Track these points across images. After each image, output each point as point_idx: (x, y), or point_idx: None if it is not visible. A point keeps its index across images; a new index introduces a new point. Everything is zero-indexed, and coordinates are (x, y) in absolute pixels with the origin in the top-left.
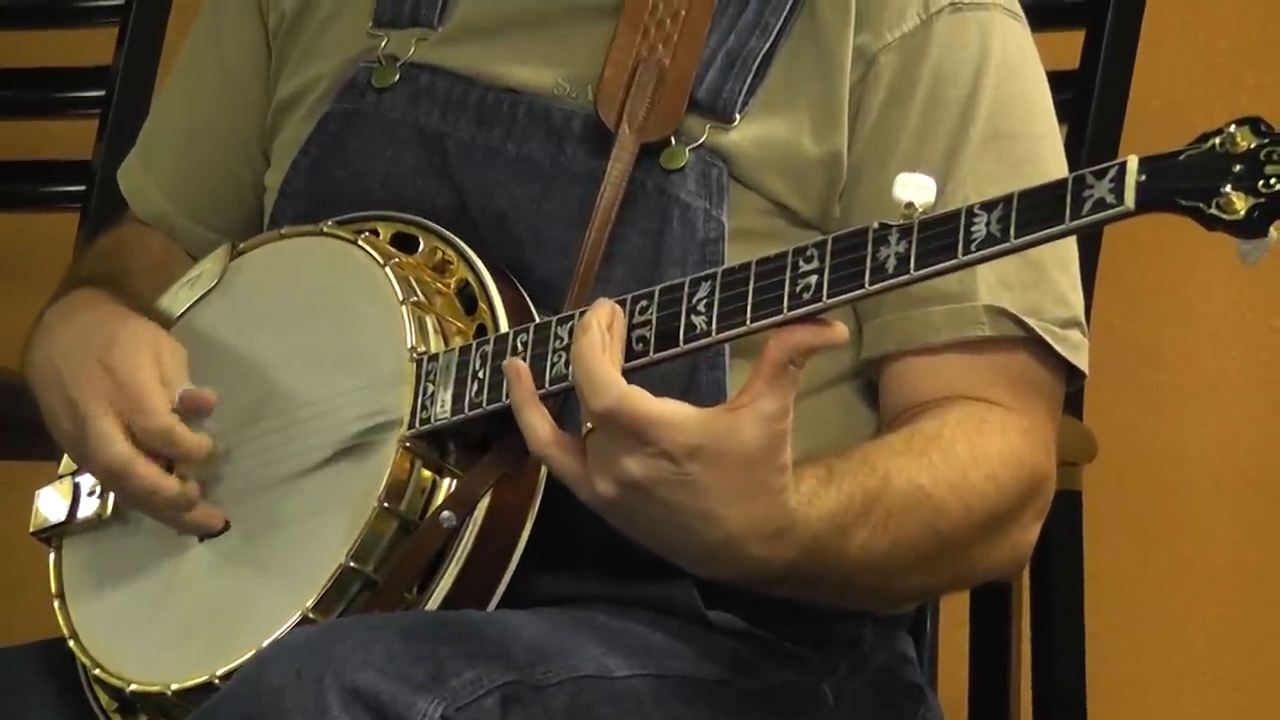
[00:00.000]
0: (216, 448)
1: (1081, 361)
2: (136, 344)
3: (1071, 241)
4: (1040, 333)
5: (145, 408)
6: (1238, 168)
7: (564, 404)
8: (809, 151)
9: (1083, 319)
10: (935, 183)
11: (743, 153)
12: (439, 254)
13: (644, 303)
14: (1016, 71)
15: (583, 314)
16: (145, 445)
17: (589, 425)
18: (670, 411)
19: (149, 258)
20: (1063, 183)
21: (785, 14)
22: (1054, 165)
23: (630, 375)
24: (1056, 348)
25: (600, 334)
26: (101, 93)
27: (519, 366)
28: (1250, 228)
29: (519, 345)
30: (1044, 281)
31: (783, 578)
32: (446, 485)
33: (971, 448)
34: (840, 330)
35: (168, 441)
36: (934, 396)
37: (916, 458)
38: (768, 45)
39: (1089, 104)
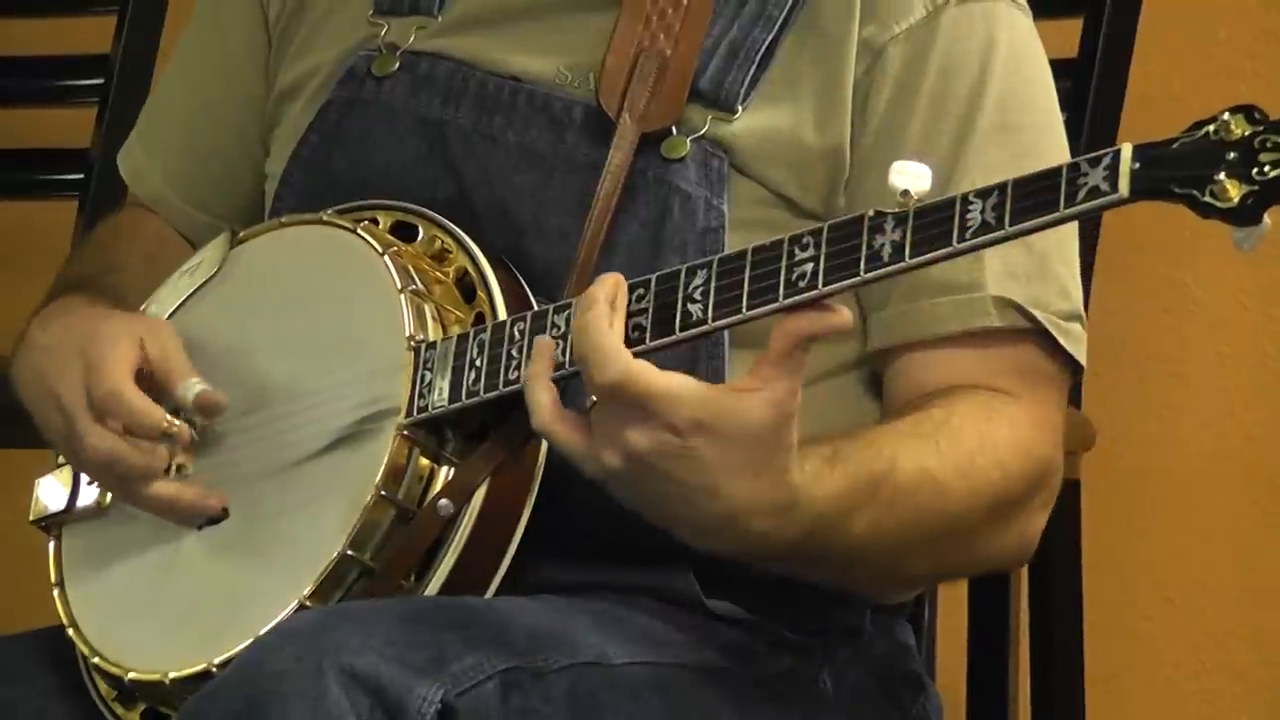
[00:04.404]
0: (178, 424)
1: (1081, 355)
2: (117, 335)
3: (1073, 232)
4: (1046, 325)
5: (98, 374)
6: (1232, 155)
7: (564, 392)
8: (811, 142)
9: (1082, 312)
10: (941, 174)
11: (744, 143)
12: (438, 243)
13: (640, 291)
14: (1022, 63)
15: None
16: (99, 411)
17: (593, 399)
18: (676, 385)
19: (142, 249)
20: (1057, 170)
21: (789, 5)
22: (1058, 156)
23: None
24: (1060, 340)
25: (605, 307)
26: (100, 81)
27: (545, 342)
28: (1244, 215)
29: (516, 333)
30: (1049, 274)
31: (786, 555)
32: (444, 473)
33: (980, 435)
34: (844, 315)
35: (117, 402)
36: (942, 386)
37: (924, 441)
38: (771, 36)
39: (1087, 93)
